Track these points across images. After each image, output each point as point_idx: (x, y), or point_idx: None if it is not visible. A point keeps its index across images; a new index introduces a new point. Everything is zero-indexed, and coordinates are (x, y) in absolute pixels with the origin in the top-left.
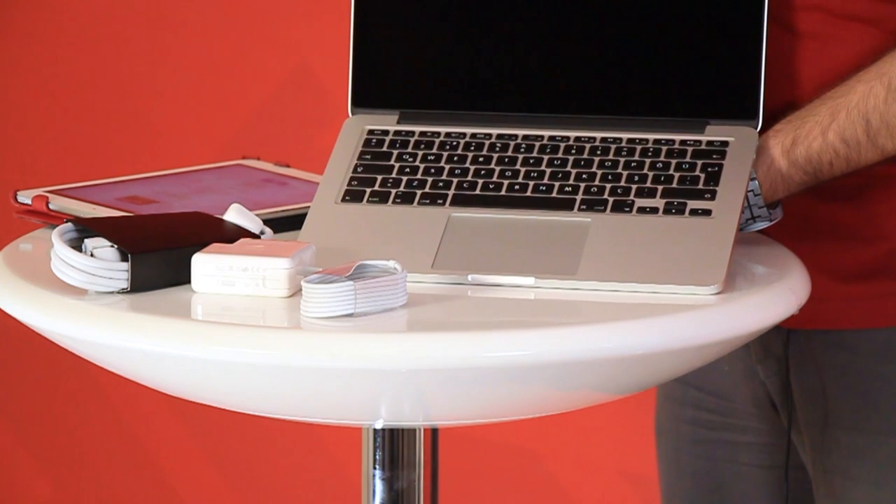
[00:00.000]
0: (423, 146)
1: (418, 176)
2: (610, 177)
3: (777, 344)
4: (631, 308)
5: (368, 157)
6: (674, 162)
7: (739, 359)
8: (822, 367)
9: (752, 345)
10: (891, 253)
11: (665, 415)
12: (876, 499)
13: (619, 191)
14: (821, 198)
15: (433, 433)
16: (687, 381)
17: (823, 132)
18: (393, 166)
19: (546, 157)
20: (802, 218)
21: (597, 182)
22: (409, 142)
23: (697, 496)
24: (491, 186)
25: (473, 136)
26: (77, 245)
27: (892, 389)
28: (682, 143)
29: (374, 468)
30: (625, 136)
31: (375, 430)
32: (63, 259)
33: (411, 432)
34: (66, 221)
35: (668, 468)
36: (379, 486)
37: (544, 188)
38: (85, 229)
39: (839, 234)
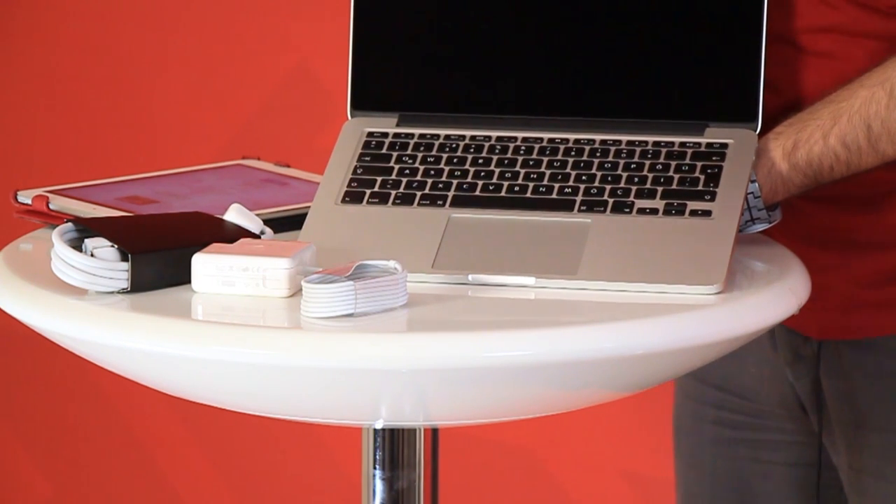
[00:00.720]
0: (422, 148)
1: (418, 177)
2: (610, 178)
3: (807, 348)
4: (631, 308)
5: (368, 158)
6: (673, 164)
7: (767, 361)
8: (852, 369)
9: (780, 347)
10: None
11: (685, 414)
12: None
13: (618, 192)
14: (844, 208)
15: (433, 433)
16: (707, 381)
17: (825, 136)
18: (392, 168)
19: (546, 159)
20: (827, 228)
21: (597, 183)
22: (408, 144)
23: (720, 495)
24: (491, 187)
25: (473, 138)
26: (77, 245)
27: None
28: (682, 145)
29: (374, 468)
30: (624, 138)
31: (375, 430)
32: (63, 259)
33: (411, 432)
34: (66, 221)
35: (687, 468)
36: (379, 486)
37: (544, 189)
38: (85, 229)
39: (865, 242)
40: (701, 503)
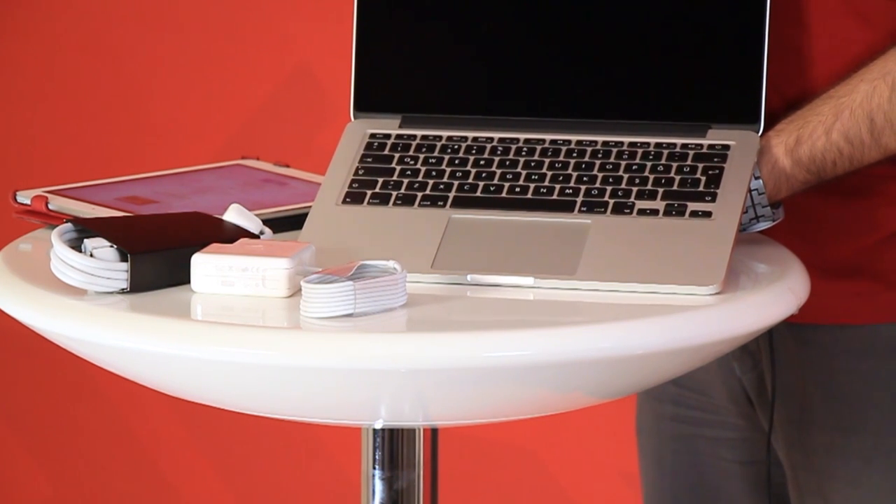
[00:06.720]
0: (424, 149)
1: (419, 178)
2: (611, 179)
3: (752, 342)
4: (630, 308)
5: (370, 159)
6: (675, 165)
7: None
8: (797, 364)
9: None
10: (869, 249)
11: (645, 413)
12: (851, 497)
13: (619, 193)
14: (818, 191)
15: (433, 433)
16: None
17: (827, 131)
18: (394, 169)
19: (547, 160)
20: (796, 208)
21: (597, 184)
22: (410, 145)
23: (681, 492)
24: (492, 188)
25: (475, 139)
26: (77, 245)
27: (868, 387)
28: (684, 146)
29: (374, 468)
30: (626, 139)
31: (375, 430)
32: (63, 259)
33: (411, 432)
34: (66, 221)
35: (649, 465)
36: (379, 486)
37: (545, 190)
38: (84, 229)
39: (821, 228)
40: (664, 501)
